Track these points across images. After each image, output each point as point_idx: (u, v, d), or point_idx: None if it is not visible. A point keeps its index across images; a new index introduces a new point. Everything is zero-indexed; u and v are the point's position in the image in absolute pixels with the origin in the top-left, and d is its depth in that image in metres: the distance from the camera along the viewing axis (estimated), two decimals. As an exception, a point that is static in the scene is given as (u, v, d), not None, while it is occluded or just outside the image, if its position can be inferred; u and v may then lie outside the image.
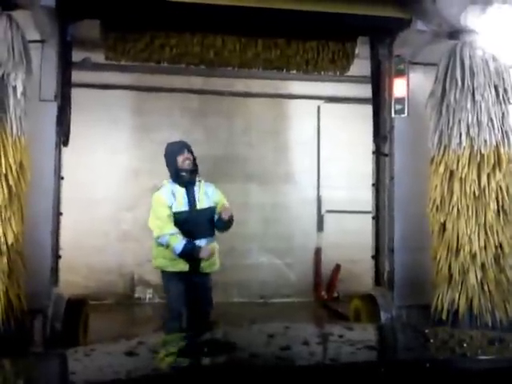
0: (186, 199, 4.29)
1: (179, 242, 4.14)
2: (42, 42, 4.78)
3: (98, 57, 5.84)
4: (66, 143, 5.13)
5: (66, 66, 5.04)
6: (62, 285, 5.17)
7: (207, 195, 4.36)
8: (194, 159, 4.36)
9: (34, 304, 4.46)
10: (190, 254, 4.18)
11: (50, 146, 4.85)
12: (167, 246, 4.20)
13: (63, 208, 5.18)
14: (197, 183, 4.36)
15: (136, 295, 7.69)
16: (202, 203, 4.32)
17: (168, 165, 4.37)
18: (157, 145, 7.68)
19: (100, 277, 7.34)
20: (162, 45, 5.39)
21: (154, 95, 7.61)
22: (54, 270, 4.94)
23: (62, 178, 5.13)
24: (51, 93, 4.82)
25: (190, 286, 4.31)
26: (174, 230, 4.19)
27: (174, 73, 6.84)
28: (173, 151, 4.36)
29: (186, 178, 4.30)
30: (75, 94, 5.28)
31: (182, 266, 4.27)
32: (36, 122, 4.58)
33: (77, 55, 5.52)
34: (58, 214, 5.04)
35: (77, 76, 5.40)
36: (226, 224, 4.32)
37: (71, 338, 4.60)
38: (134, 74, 7.25)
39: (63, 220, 5.20)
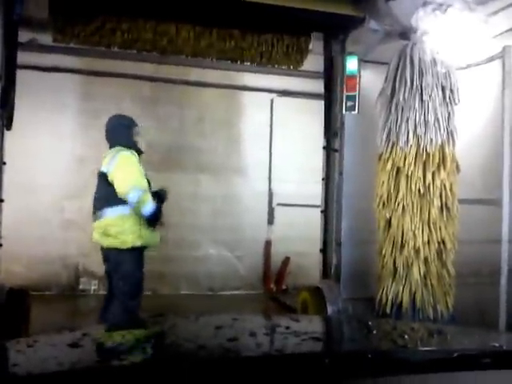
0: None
1: (151, 201, 4.04)
2: (-15, 20, 4.57)
3: (46, 38, 5.62)
4: (8, 127, 4.91)
5: (11, 46, 4.80)
6: (2, 275, 4.98)
7: None
8: None
9: (-28, 294, 4.28)
10: (158, 216, 4.11)
11: (-8, 129, 4.65)
12: (137, 204, 4.00)
13: (5, 195, 4.97)
14: None
15: (80, 286, 7.51)
16: None
17: (121, 136, 4.33)
18: (104, 131, 7.55)
19: (43, 267, 7.12)
20: (113, 29, 5.24)
21: (104, 80, 7.40)
22: (-6, 259, 4.75)
23: (4, 163, 4.91)
24: (-5, 74, 4.62)
25: None
26: (147, 185, 4.12)
27: (125, 58, 6.67)
28: (130, 123, 4.39)
29: (139, 151, 4.34)
30: (20, 75, 5.05)
31: (158, 238, 4.25)
32: (-23, 103, 4.38)
33: (23, 35, 5.29)
34: (-2, 200, 4.84)
35: (22, 57, 5.18)
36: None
37: (12, 329, 4.43)
38: (83, 58, 7.02)
39: (5, 207, 4.99)
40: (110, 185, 4.11)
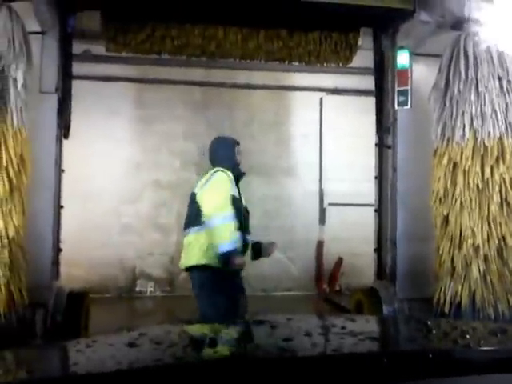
0: (238, 192, 4.01)
1: (231, 238, 3.67)
2: (42, 33, 4.76)
3: (99, 48, 5.81)
4: (66, 136, 5.12)
5: (66, 57, 5.02)
6: (63, 278, 5.17)
7: None
8: None
9: (35, 297, 4.45)
10: (230, 260, 3.70)
11: (51, 138, 4.83)
12: (214, 230, 3.68)
13: (64, 201, 5.17)
14: None
15: (137, 289, 7.70)
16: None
17: (224, 155, 4.04)
18: (158, 137, 7.73)
19: (101, 270, 7.35)
20: (163, 36, 5.36)
21: (156, 87, 7.58)
22: (55, 264, 4.94)
23: (63, 171, 5.12)
24: (52, 85, 4.81)
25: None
26: (232, 213, 3.77)
27: (175, 64, 6.81)
28: (232, 142, 4.15)
29: (241, 172, 4.10)
30: (76, 86, 5.26)
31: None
32: (36, 114, 4.57)
33: (77, 47, 5.49)
34: (58, 207, 5.03)
35: (78, 68, 5.38)
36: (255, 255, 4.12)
37: (72, 330, 4.60)
38: (135, 66, 7.23)
39: (64, 213, 5.19)
40: (197, 205, 3.89)
